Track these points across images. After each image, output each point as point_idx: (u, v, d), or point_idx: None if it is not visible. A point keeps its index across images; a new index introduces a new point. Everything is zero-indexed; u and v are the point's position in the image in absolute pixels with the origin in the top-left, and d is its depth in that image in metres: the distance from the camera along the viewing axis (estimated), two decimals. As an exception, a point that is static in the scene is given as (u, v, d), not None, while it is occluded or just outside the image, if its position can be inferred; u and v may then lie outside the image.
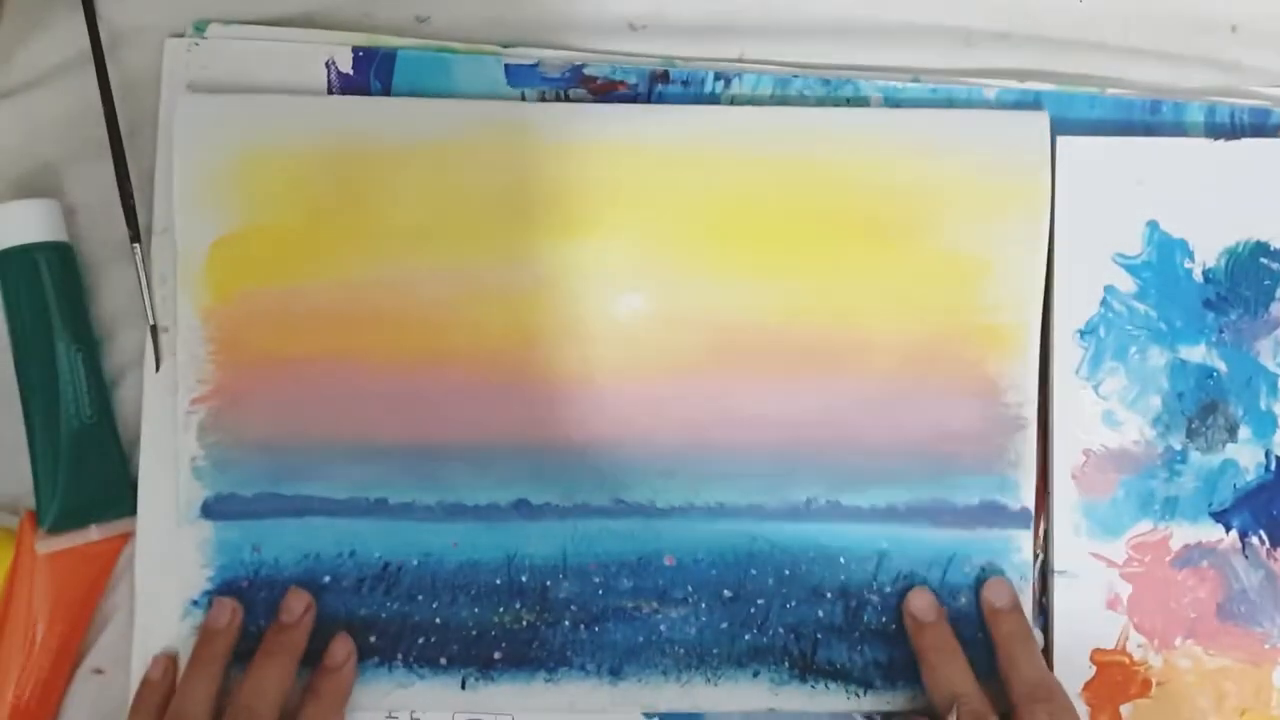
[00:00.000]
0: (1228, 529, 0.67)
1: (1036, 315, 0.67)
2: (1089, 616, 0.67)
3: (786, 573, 0.67)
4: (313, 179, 0.67)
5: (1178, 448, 0.68)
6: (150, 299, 0.67)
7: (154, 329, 0.67)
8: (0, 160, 0.68)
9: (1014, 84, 0.69)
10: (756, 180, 0.67)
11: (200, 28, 0.68)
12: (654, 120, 0.68)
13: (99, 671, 0.67)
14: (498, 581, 0.67)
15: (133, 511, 0.67)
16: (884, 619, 0.67)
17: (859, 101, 0.69)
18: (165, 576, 0.66)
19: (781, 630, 0.67)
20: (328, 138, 0.67)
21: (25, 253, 0.65)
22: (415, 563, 0.67)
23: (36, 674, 0.65)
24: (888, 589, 0.67)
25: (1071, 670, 0.67)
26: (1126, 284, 0.68)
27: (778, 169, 0.67)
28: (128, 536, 0.67)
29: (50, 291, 0.65)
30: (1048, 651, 0.67)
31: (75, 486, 0.66)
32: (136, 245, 0.67)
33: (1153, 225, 0.68)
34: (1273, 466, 0.67)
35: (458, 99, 0.68)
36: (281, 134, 0.67)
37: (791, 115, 0.68)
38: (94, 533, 0.66)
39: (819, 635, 0.67)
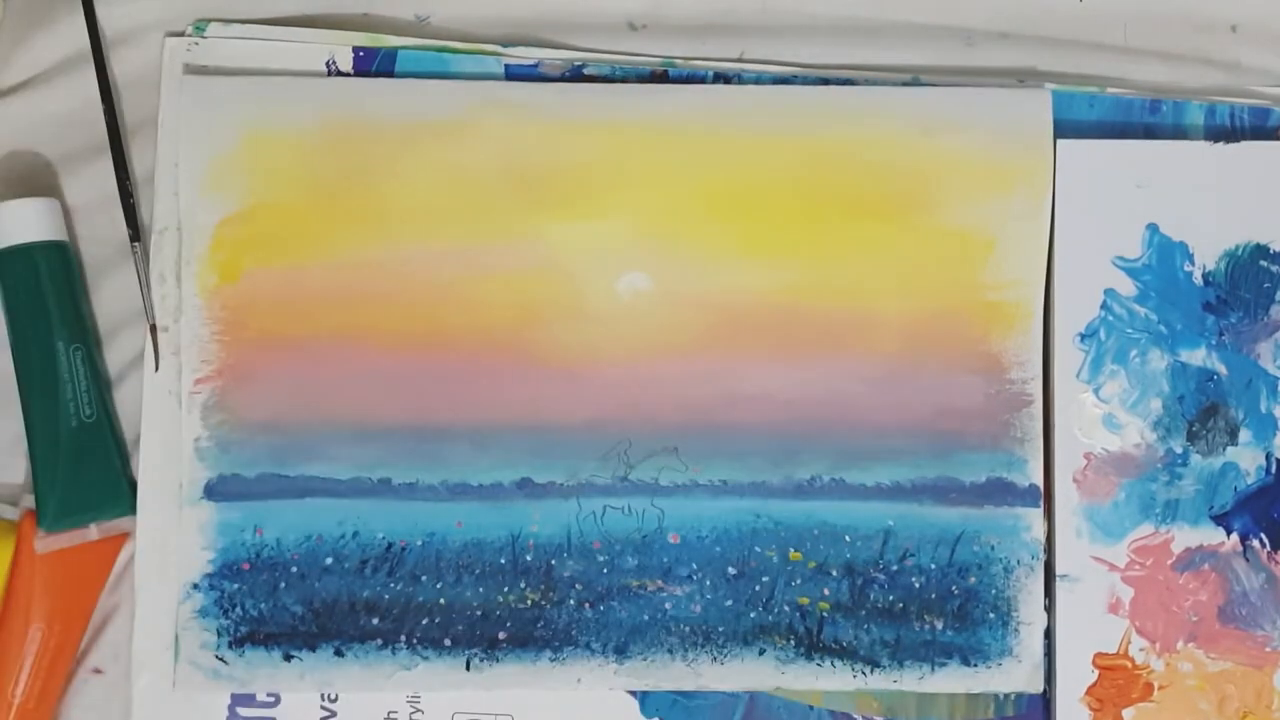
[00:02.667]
0: (1229, 532, 0.67)
1: (1039, 291, 0.68)
2: (1091, 620, 0.67)
3: (791, 550, 0.67)
4: (317, 159, 0.67)
5: (1178, 451, 0.68)
6: (150, 299, 0.67)
7: (154, 329, 0.67)
8: (0, 160, 0.68)
9: (1014, 83, 0.69)
10: (759, 159, 0.67)
11: (200, 27, 0.68)
12: (657, 100, 0.68)
13: (99, 671, 0.67)
14: (502, 561, 0.67)
15: (132, 511, 0.67)
16: (890, 597, 0.67)
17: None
18: (165, 575, 0.66)
19: (787, 608, 0.67)
20: (331, 118, 0.67)
21: (25, 252, 0.65)
22: (419, 543, 0.67)
23: (36, 674, 0.65)
24: (894, 567, 0.67)
25: (1074, 675, 0.67)
26: (1126, 287, 0.68)
27: (781, 147, 0.68)
28: (127, 536, 0.67)
29: (50, 291, 0.66)
30: (1050, 656, 0.67)
31: (75, 485, 0.66)
32: (136, 245, 0.67)
33: (1152, 228, 0.68)
34: (1273, 469, 0.67)
35: (460, 79, 0.68)
36: (285, 114, 0.67)
37: (794, 94, 0.68)
38: (94, 532, 0.66)
39: (824, 613, 0.67)
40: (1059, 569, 0.67)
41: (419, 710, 0.67)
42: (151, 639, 0.66)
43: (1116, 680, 0.67)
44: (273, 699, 0.67)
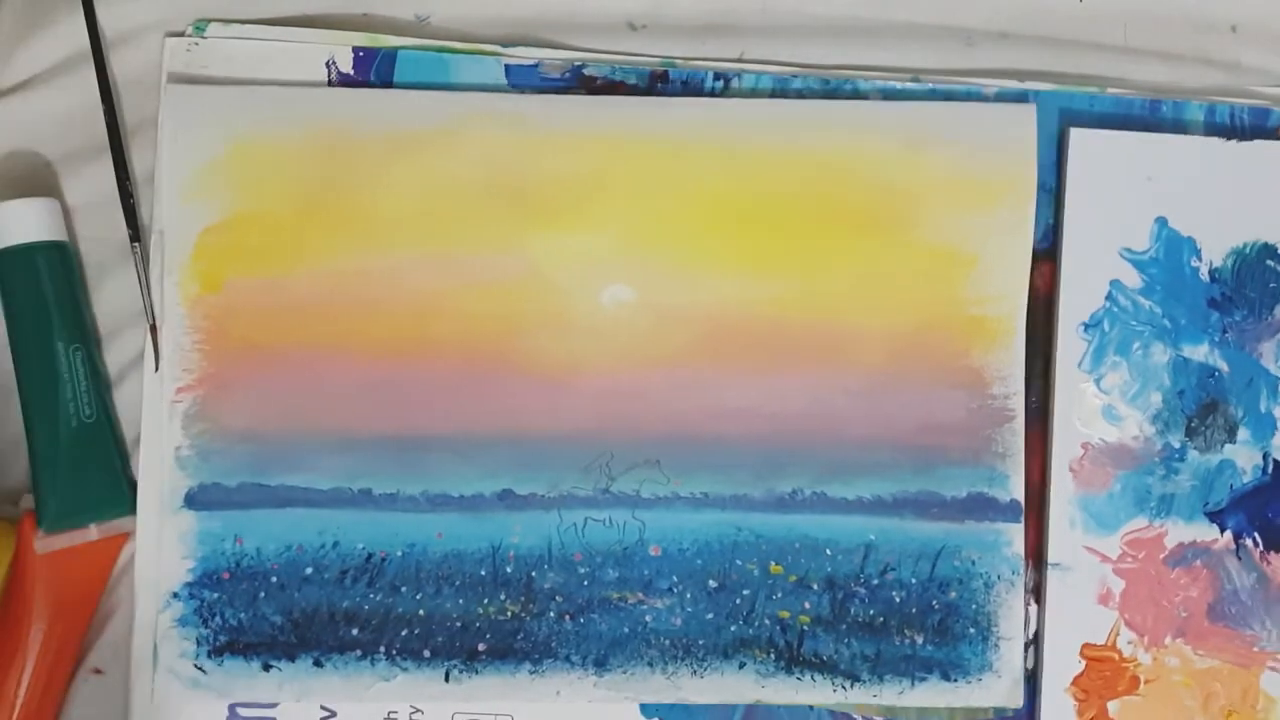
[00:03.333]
0: (1222, 530, 0.68)
1: (1022, 307, 0.68)
2: (1080, 610, 0.67)
3: (772, 564, 0.67)
4: (302, 169, 0.67)
5: (1176, 446, 0.68)
6: (150, 299, 0.67)
7: (154, 329, 0.67)
8: (0, 160, 0.68)
9: (1014, 84, 0.69)
10: (744, 172, 0.67)
11: (200, 28, 0.68)
12: (644, 112, 0.68)
13: (99, 671, 0.67)
14: (482, 573, 0.67)
15: (132, 511, 0.67)
16: (871, 612, 0.67)
17: (855, 99, 0.69)
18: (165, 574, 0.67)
19: (767, 622, 0.67)
20: (317, 127, 0.67)
21: (25, 252, 0.65)
22: (399, 554, 0.67)
23: (36, 674, 0.65)
24: (875, 581, 0.67)
25: (1061, 664, 0.67)
26: (1132, 279, 0.68)
27: (766, 161, 0.67)
28: (127, 536, 0.67)
29: (50, 291, 0.65)
30: (1038, 644, 0.68)
31: (75, 486, 0.66)
32: (136, 245, 0.67)
33: (1161, 222, 0.68)
34: (1270, 469, 0.68)
35: (446, 90, 0.68)
36: (271, 124, 0.67)
37: (779, 108, 0.68)
38: (93, 532, 0.66)
39: (805, 627, 0.67)
40: (1050, 557, 0.67)
41: (419, 710, 0.67)
42: (152, 639, 0.66)
43: (1103, 672, 0.67)
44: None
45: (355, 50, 0.68)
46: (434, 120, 0.67)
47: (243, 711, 0.67)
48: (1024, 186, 0.67)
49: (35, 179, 0.68)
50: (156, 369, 0.67)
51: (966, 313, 0.68)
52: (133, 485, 0.67)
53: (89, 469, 0.66)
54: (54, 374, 0.65)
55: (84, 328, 0.67)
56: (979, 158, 0.67)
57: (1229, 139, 0.68)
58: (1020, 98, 0.69)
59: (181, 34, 0.68)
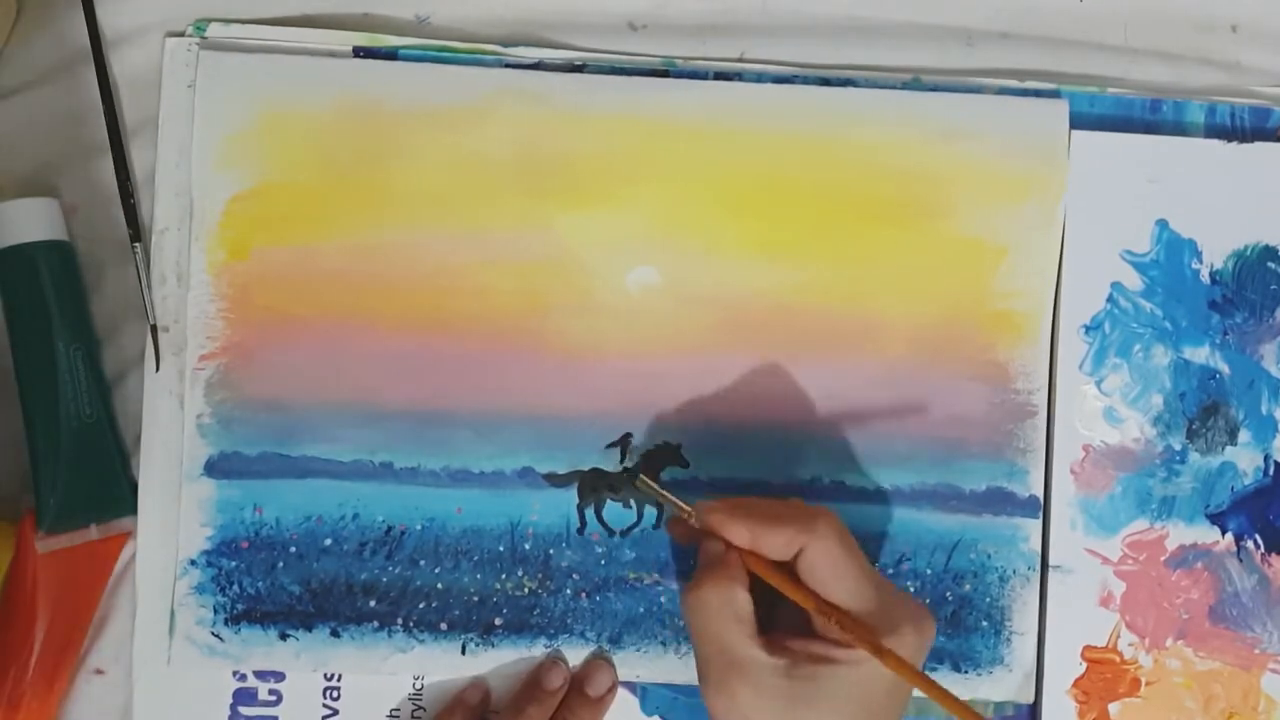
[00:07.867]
0: (1223, 531, 0.68)
1: (1049, 303, 0.68)
2: (1081, 612, 0.68)
3: None
4: (332, 139, 0.67)
5: (1177, 448, 0.68)
6: (150, 299, 0.67)
7: (154, 329, 0.67)
8: (0, 160, 0.68)
9: (1014, 83, 0.69)
10: (775, 158, 0.68)
11: (200, 28, 0.68)
12: (674, 94, 0.68)
13: (99, 672, 0.67)
14: (501, 548, 0.67)
15: (133, 511, 0.67)
16: None
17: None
18: (166, 575, 0.67)
19: None
20: (348, 99, 0.67)
21: (25, 252, 0.65)
22: (419, 527, 0.67)
23: (36, 674, 0.65)
24: (890, 571, 0.67)
25: (1062, 666, 0.67)
26: (1133, 281, 0.68)
27: (797, 148, 0.68)
28: (127, 536, 0.67)
29: (50, 291, 0.65)
30: (1039, 646, 0.67)
31: (75, 486, 0.65)
32: (136, 245, 0.67)
33: (1162, 224, 0.68)
34: (1271, 471, 0.68)
35: (478, 66, 0.68)
36: (303, 93, 0.67)
37: (813, 94, 0.68)
38: (94, 532, 0.66)
39: None
40: (1052, 559, 0.67)
41: (420, 708, 0.67)
42: (152, 639, 0.66)
43: (1104, 674, 0.67)
44: (275, 698, 0.67)
45: (355, 50, 0.68)
46: (465, 96, 0.67)
47: (245, 710, 0.67)
48: (1055, 180, 0.68)
49: (35, 179, 0.68)
50: (157, 369, 0.67)
51: (993, 306, 0.68)
52: (133, 485, 0.67)
53: (89, 469, 0.66)
54: (54, 374, 0.65)
55: (84, 327, 0.67)
56: (1010, 151, 0.68)
57: (1230, 140, 0.68)
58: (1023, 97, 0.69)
59: (181, 34, 0.68)
